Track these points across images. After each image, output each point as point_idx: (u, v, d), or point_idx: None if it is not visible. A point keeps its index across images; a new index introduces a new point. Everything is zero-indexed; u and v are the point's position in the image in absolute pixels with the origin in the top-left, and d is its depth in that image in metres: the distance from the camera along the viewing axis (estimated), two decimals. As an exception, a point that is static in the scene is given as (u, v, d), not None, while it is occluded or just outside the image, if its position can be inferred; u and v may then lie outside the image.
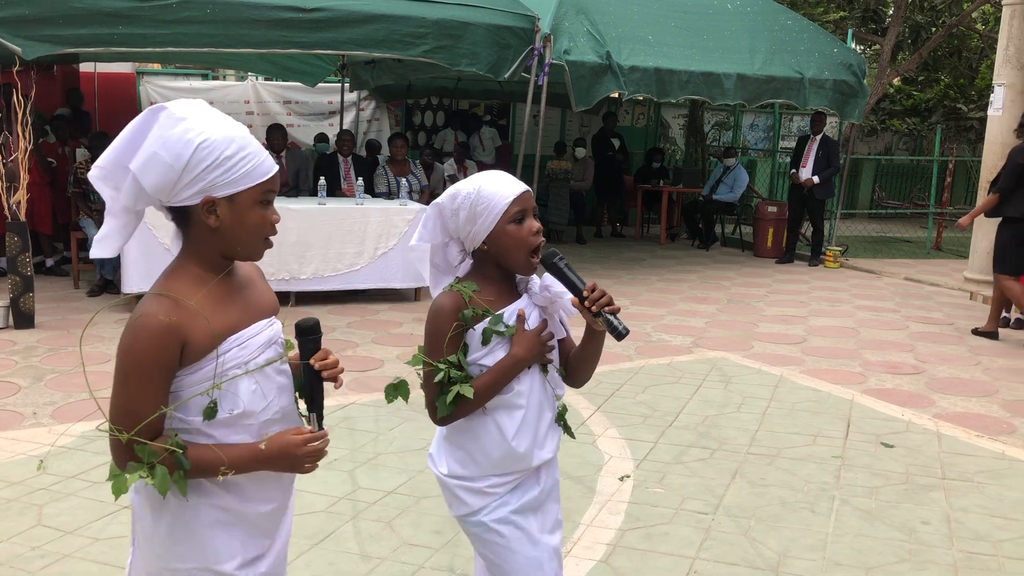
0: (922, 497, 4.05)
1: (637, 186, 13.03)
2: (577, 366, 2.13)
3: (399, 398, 2.09)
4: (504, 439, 2.02)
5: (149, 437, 1.64)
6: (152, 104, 8.07)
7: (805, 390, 5.69)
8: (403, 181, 8.91)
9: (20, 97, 6.51)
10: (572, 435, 2.21)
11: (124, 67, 12.03)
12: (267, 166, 1.70)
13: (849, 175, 12.09)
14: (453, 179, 11.23)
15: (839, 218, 11.77)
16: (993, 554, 3.51)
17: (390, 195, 8.93)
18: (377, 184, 9.16)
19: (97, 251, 1.73)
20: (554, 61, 8.30)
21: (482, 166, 11.92)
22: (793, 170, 11.07)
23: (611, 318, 1.95)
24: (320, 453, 1.79)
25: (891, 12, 14.97)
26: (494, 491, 2.06)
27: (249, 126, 12.08)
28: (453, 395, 1.95)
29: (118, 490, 1.66)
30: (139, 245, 6.93)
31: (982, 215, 7.53)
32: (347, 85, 11.90)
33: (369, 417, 4.84)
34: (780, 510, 3.86)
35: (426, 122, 13.76)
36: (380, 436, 4.57)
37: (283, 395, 1.81)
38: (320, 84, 12.02)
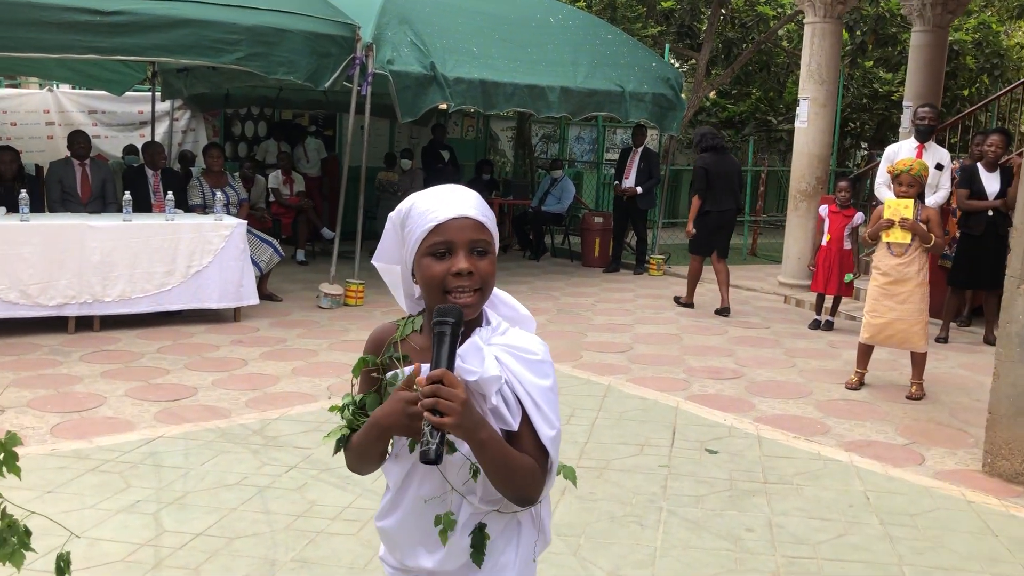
0: (745, 503, 4.11)
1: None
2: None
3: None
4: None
5: None
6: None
7: (632, 399, 5.74)
8: (219, 194, 8.44)
9: None
10: (477, 562, 1.67)
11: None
12: None
13: (670, 186, 12.51)
14: (277, 191, 10.80)
15: (661, 227, 12.13)
16: (812, 557, 3.59)
17: (205, 208, 8.44)
18: (191, 196, 8.65)
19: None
20: (377, 71, 8.09)
21: (307, 178, 11.54)
22: (616, 181, 11.32)
23: (426, 429, 1.46)
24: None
25: (705, 28, 15.65)
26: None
27: (50, 137, 11.41)
28: (336, 436, 1.68)
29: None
30: None
31: (693, 216, 8.79)
32: (159, 94, 11.23)
33: (178, 451, 4.47)
34: (609, 525, 3.82)
35: (247, 132, 13.20)
36: (190, 472, 4.22)
37: None
38: (129, 93, 11.27)
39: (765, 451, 4.84)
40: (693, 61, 16.19)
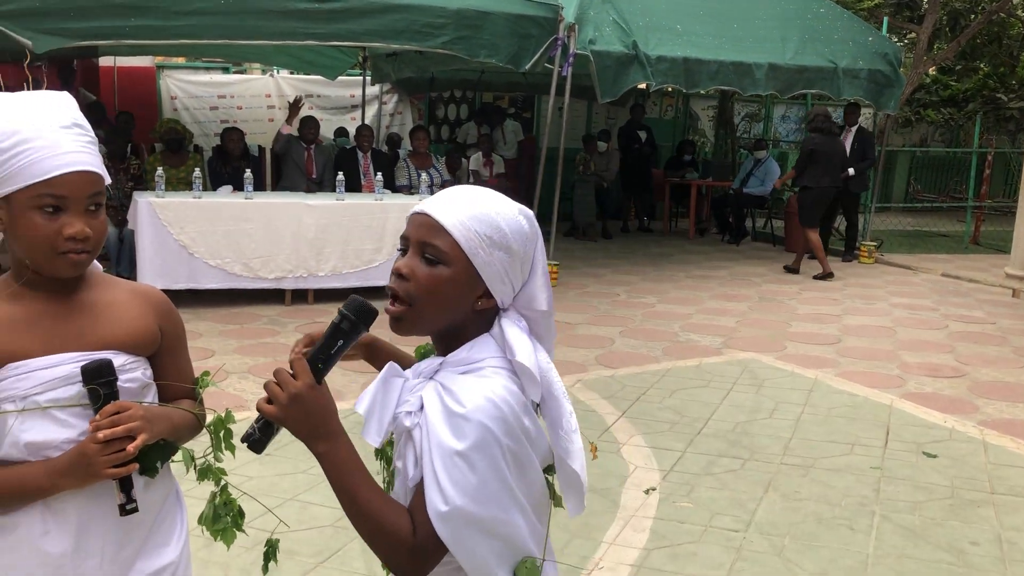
0: (970, 514, 3.78)
1: (665, 179, 12.73)
2: None
3: None
4: None
5: None
6: (173, 98, 7.88)
7: (841, 394, 5.42)
8: (424, 175, 8.70)
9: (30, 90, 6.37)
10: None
11: (144, 61, 11.93)
12: (46, 166, 1.39)
13: (884, 168, 11.72)
14: (477, 174, 11.01)
15: (873, 212, 11.39)
16: (1050, 579, 3.25)
17: (411, 188, 8.73)
18: (398, 177, 8.97)
19: None
20: (579, 51, 8.04)
21: (505, 160, 11.69)
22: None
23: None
24: (120, 438, 1.39)
25: (928, -1, 14.54)
26: None
27: (271, 120, 12.17)
28: None
29: None
30: (154, 242, 6.79)
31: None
32: (368, 78, 11.71)
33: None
34: (816, 527, 3.61)
35: (449, 115, 13.55)
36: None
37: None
38: (341, 77, 11.84)
39: (992, 458, 4.43)
40: (913, 35, 15.09)
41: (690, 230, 12.36)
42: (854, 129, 10.49)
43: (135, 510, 1.46)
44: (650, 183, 12.68)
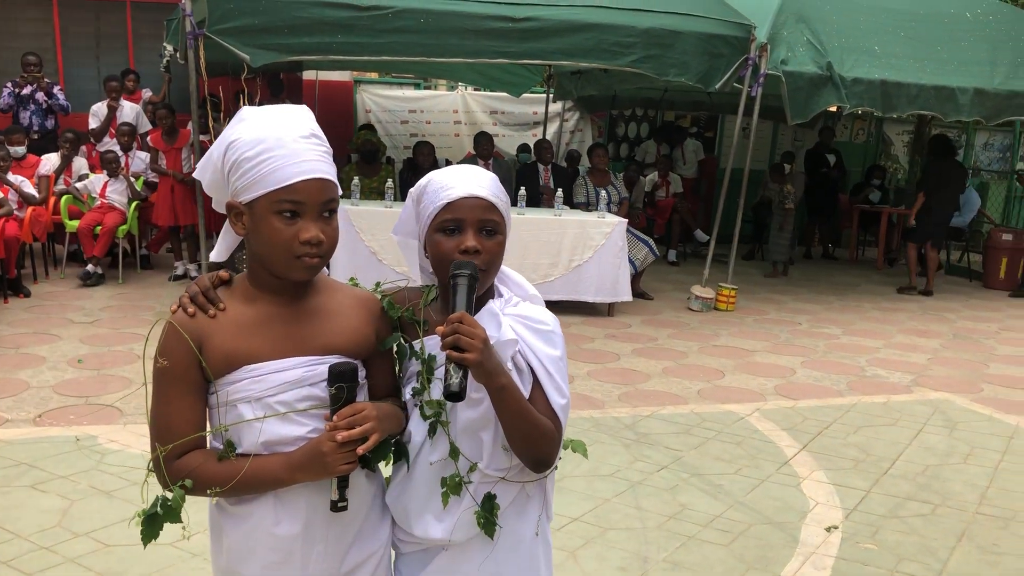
0: None
1: (853, 205, 12.21)
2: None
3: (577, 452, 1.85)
4: None
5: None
6: (367, 111, 8.33)
7: (1047, 444, 5.02)
8: (602, 192, 8.74)
9: (246, 103, 6.87)
10: (489, 533, 1.67)
11: (343, 76, 12.60)
12: (286, 173, 1.49)
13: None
14: (652, 194, 10.94)
15: (1087, 249, 10.48)
16: None
17: (588, 205, 8.78)
18: (576, 194, 9.05)
19: (213, 254, 1.70)
20: (770, 71, 7.86)
21: (683, 179, 11.56)
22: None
23: (450, 366, 1.48)
24: (360, 433, 1.49)
25: None
26: None
27: (456, 135, 12.59)
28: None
29: (146, 535, 1.56)
30: (347, 247, 7.14)
31: None
32: (552, 95, 11.89)
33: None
34: (1018, 585, 3.36)
35: (629, 133, 13.54)
36: (566, 457, 4.40)
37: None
38: (525, 95, 12.08)
39: None
40: None
41: (878, 260, 11.77)
42: (1069, 159, 9.72)
43: (345, 508, 1.55)
44: (837, 208, 12.19)
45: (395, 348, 1.71)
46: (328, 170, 1.56)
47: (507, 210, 1.69)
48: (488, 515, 1.65)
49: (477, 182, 1.64)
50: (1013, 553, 3.63)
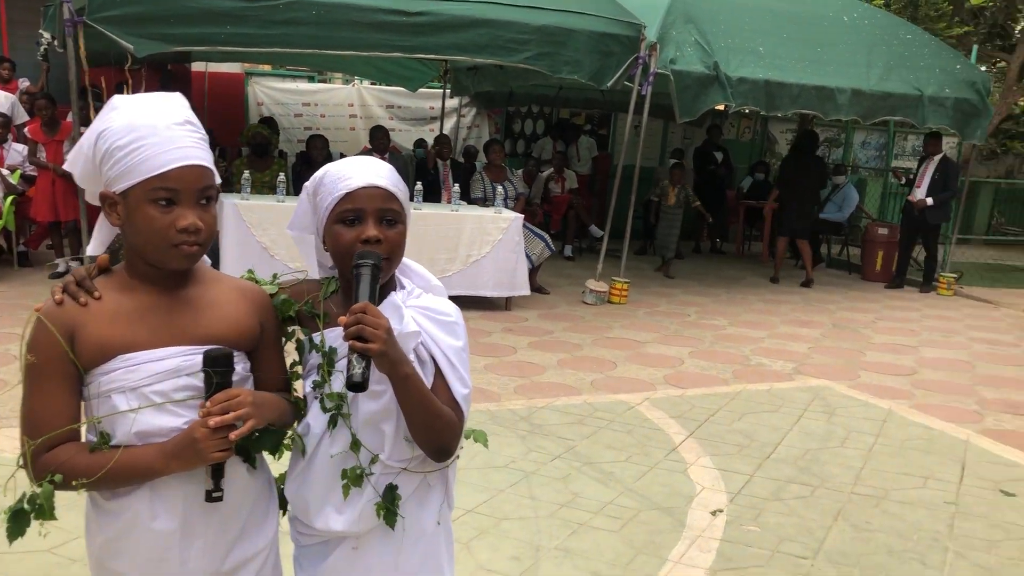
0: (1049, 556, 3.68)
1: (739, 202, 12.63)
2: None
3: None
4: None
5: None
6: (259, 104, 8.16)
7: (916, 426, 5.31)
8: (499, 188, 8.80)
9: (129, 94, 6.64)
10: (389, 523, 1.67)
11: (233, 67, 12.31)
12: (162, 160, 1.47)
13: (966, 199, 11.43)
14: (549, 189, 11.07)
15: (954, 243, 11.13)
16: None
17: (485, 201, 8.83)
18: (473, 190, 9.08)
19: (89, 248, 1.65)
20: (659, 70, 8.05)
21: (578, 176, 11.73)
22: (908, 191, 10.54)
23: (352, 357, 1.48)
24: (234, 418, 1.47)
25: (1020, 28, 14.17)
26: None
27: (352, 129, 12.44)
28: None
29: (13, 532, 1.49)
30: (238, 242, 6.99)
31: None
32: (448, 91, 11.89)
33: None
34: (887, 559, 3.56)
35: (526, 130, 13.66)
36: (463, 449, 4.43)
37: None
38: (422, 89, 12.05)
39: (1074, 501, 4.30)
40: (1003, 64, 14.72)
41: (763, 253, 12.22)
42: (936, 159, 10.28)
43: (220, 499, 1.53)
44: (724, 204, 12.58)
45: (296, 342, 1.70)
46: (204, 156, 1.54)
47: (407, 200, 1.70)
48: (390, 506, 1.66)
49: (375, 172, 1.64)
50: (884, 530, 3.84)
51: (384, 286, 1.66)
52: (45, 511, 1.48)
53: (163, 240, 1.50)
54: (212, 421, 1.46)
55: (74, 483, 1.48)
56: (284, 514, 1.81)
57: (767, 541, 3.65)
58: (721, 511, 3.92)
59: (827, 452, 4.77)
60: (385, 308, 1.61)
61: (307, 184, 1.73)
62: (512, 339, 6.84)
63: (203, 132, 1.58)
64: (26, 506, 1.48)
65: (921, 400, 5.90)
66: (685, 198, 10.32)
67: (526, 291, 7.90)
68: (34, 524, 1.51)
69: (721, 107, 8.84)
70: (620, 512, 3.84)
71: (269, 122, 9.89)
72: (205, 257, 1.65)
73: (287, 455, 1.78)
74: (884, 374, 6.53)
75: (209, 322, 1.58)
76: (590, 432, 4.84)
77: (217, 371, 1.51)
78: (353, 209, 1.62)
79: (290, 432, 1.70)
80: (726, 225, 13.00)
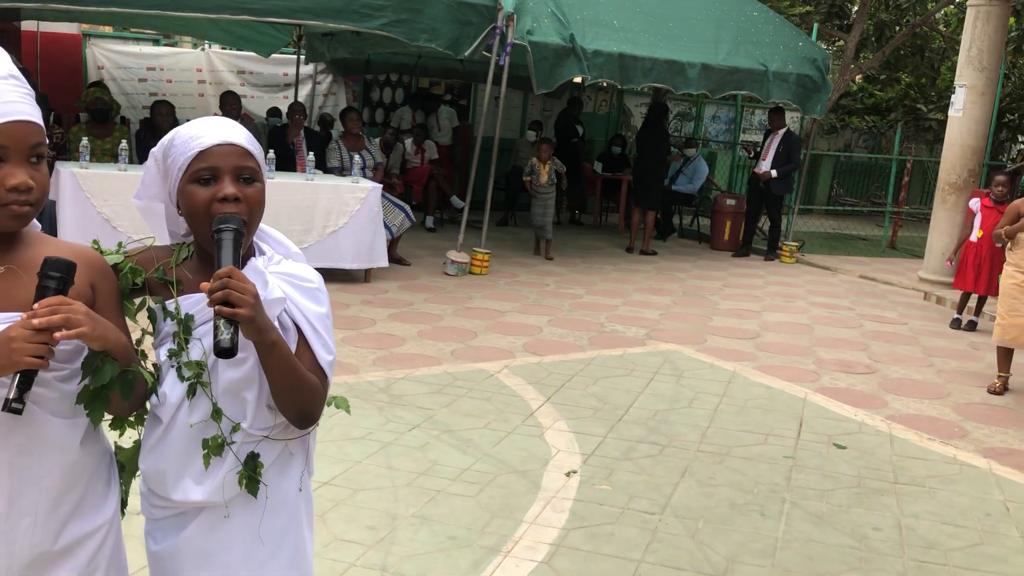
0: (873, 502, 3.95)
1: (596, 174, 12.89)
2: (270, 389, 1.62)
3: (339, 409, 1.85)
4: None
5: None
6: (99, 68, 7.72)
7: (757, 387, 5.59)
8: (356, 157, 8.65)
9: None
10: (252, 492, 1.64)
11: (71, 28, 11.56)
12: None
13: (808, 171, 12.07)
14: (408, 161, 10.97)
15: (796, 213, 11.74)
16: (943, 563, 3.42)
17: (342, 170, 8.67)
18: (329, 158, 8.89)
19: None
20: (516, 41, 8.08)
21: (439, 147, 11.68)
22: (755, 163, 11.03)
23: (219, 322, 1.44)
24: (60, 320, 1.38)
25: (856, 9, 14.99)
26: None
27: (200, 95, 11.93)
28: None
29: None
30: (76, 213, 6.62)
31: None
32: (303, 57, 11.57)
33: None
34: (729, 512, 3.74)
35: (384, 99, 13.47)
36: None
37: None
38: (275, 55, 11.68)
39: (897, 451, 4.64)
40: (841, 43, 15.53)
41: (619, 224, 12.53)
42: (781, 132, 10.77)
43: (19, 412, 1.39)
44: (582, 176, 12.81)
45: (147, 311, 1.63)
46: (33, 112, 1.45)
47: (263, 159, 1.66)
48: (252, 474, 1.62)
49: (229, 130, 1.60)
50: (727, 484, 4.03)
51: (244, 253, 1.61)
52: None
53: None
54: (37, 321, 1.36)
55: None
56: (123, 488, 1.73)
57: (618, 499, 3.78)
58: (575, 472, 4.02)
59: (675, 413, 4.96)
60: (248, 273, 1.54)
61: (154, 150, 1.66)
62: (371, 311, 6.77)
63: (29, 88, 1.48)
64: None
65: (763, 362, 6.21)
66: (555, 173, 10.03)
67: (385, 263, 7.83)
68: None
69: (578, 79, 8.97)
70: (477, 477, 3.88)
71: (99, 86, 9.34)
72: (35, 221, 1.55)
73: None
74: (730, 338, 6.83)
75: (23, 288, 1.47)
76: (449, 401, 4.86)
77: (52, 276, 1.41)
78: (208, 167, 1.56)
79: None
80: (584, 197, 13.25)
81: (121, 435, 1.70)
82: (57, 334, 1.38)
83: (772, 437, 4.70)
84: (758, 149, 11.27)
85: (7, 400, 1.39)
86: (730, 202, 11.54)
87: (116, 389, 1.52)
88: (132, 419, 1.69)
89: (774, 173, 10.64)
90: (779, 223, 11.11)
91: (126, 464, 1.76)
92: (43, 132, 1.47)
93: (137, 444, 1.73)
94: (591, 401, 5.04)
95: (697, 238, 12.18)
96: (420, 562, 3.13)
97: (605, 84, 11.95)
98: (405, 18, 7.58)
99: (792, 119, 13.94)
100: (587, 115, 13.85)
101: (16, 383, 1.39)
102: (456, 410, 4.73)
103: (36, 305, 1.39)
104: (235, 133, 1.61)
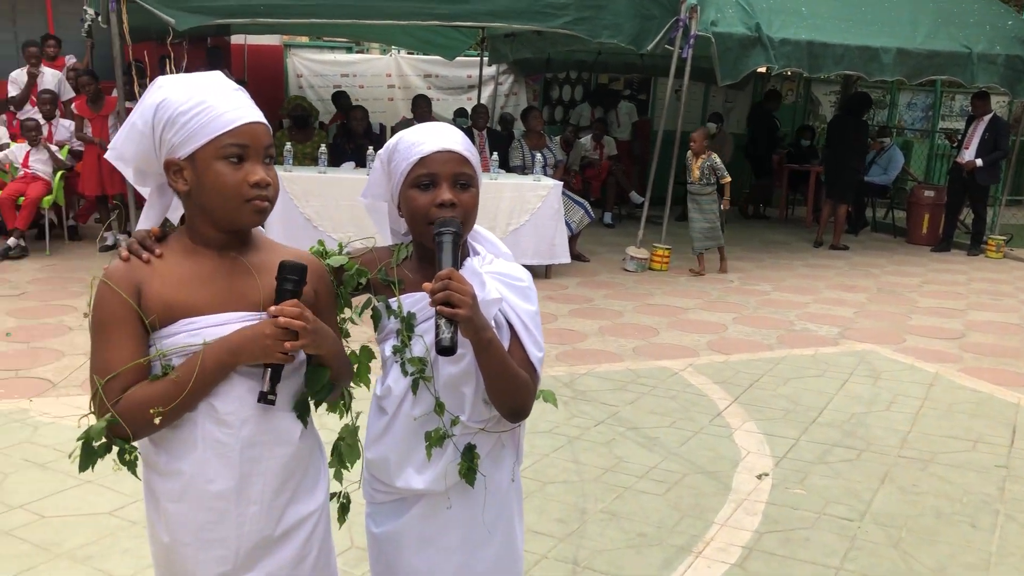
0: (1102, 518, 3.63)
1: (783, 165, 12.45)
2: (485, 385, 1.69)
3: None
4: None
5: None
6: (298, 76, 8.21)
7: (964, 390, 5.25)
8: (538, 155, 8.77)
9: (173, 68, 6.71)
10: (469, 481, 1.73)
11: (272, 40, 12.36)
12: (227, 118, 1.51)
13: (1017, 159, 11.16)
14: (588, 156, 11.00)
15: (1004, 205, 10.89)
16: None
17: (524, 169, 8.81)
18: (512, 157, 9.06)
19: (140, 223, 1.67)
20: (700, 33, 7.94)
21: (617, 142, 11.64)
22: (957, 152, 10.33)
23: (440, 321, 1.51)
24: (294, 331, 1.51)
25: (1074, -19, 13.73)
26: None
27: (390, 99, 12.45)
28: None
29: (84, 461, 1.51)
30: (280, 214, 7.05)
31: None
32: (486, 59, 11.83)
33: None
34: (935, 522, 3.54)
35: (564, 96, 13.56)
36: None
37: (252, 402, 1.57)
38: (459, 58, 12.01)
39: None
40: (1056, 18, 14.25)
41: (807, 218, 12.06)
42: (986, 118, 10.03)
43: (273, 402, 1.55)
44: (771, 170, 12.42)
45: (372, 309, 1.75)
46: (263, 117, 1.58)
47: (478, 164, 1.74)
48: (470, 464, 1.72)
49: (448, 137, 1.68)
50: (932, 493, 3.81)
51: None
52: (93, 449, 1.51)
53: (237, 196, 1.53)
54: (281, 320, 1.50)
55: (152, 412, 1.49)
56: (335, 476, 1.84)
57: (813, 504, 3.65)
58: (767, 475, 3.92)
59: (873, 416, 4.74)
60: (466, 274, 1.63)
61: (380, 152, 1.77)
62: (553, 307, 6.85)
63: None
64: (91, 436, 1.50)
65: (970, 364, 5.82)
66: (711, 170, 8.26)
67: (566, 259, 7.90)
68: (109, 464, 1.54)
69: (763, 69, 8.70)
70: (665, 476, 3.85)
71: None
72: (260, 227, 1.68)
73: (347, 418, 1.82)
74: (931, 338, 6.44)
75: (268, 288, 1.59)
76: (633, 398, 4.85)
77: (290, 279, 1.54)
78: (428, 174, 1.66)
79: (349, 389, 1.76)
80: (771, 189, 12.83)
81: (341, 418, 1.82)
82: (288, 343, 1.51)
83: (981, 444, 4.40)
84: (960, 137, 10.53)
85: (262, 393, 1.54)
86: (928, 193, 10.86)
87: (317, 389, 1.66)
88: (342, 403, 1.80)
89: (979, 162, 9.92)
90: (984, 215, 10.36)
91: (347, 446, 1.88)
92: (272, 134, 1.59)
93: (348, 428, 1.82)
94: (782, 402, 4.89)
95: (892, 232, 11.54)
96: (611, 557, 3.15)
97: (789, 73, 11.53)
98: (587, 15, 7.61)
99: (999, 104, 12.94)
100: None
101: (269, 377, 1.54)
102: (640, 407, 4.72)
103: (279, 307, 1.52)
104: (454, 140, 1.69)
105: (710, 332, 6.31)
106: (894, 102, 14.30)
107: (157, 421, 1.49)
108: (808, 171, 11.91)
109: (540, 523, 3.37)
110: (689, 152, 8.41)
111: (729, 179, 8.30)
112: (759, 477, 3.89)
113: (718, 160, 8.26)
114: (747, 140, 12.63)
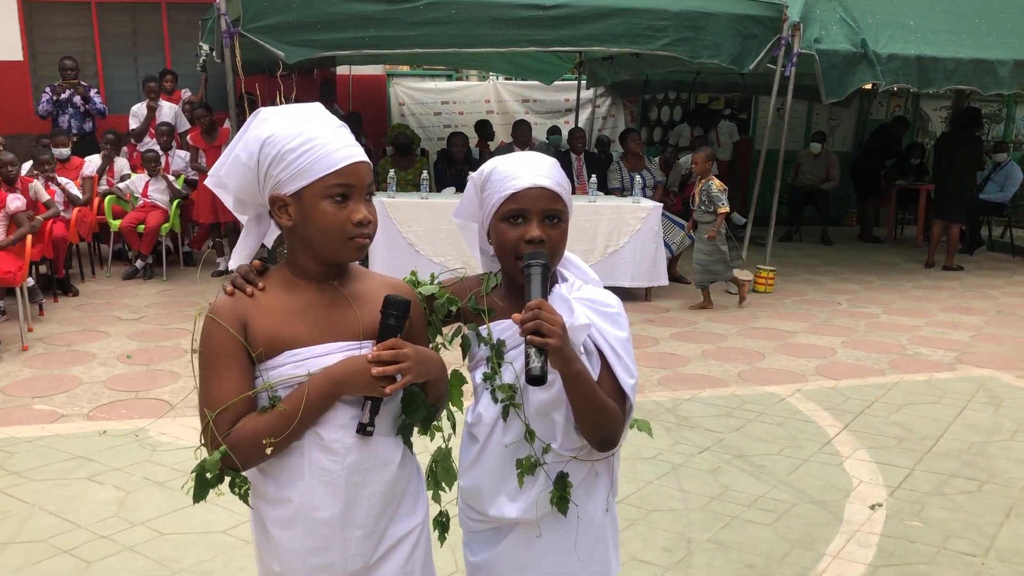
0: None
1: (892, 184, 12.05)
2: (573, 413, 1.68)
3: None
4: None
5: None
6: (400, 104, 8.38)
7: (1095, 419, 4.95)
8: (637, 177, 8.73)
9: (283, 100, 6.96)
10: (562, 510, 1.72)
11: (375, 70, 12.68)
12: (335, 158, 1.54)
13: None
14: (687, 177, 10.88)
15: None
16: None
17: (623, 191, 8.78)
18: (611, 179, 9.05)
19: (231, 261, 1.72)
20: (803, 50, 7.79)
21: (719, 162, 11.47)
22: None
23: (531, 351, 1.51)
24: (396, 370, 1.55)
25: None
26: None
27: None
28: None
29: (198, 492, 1.56)
30: (384, 239, 7.21)
31: None
32: (584, 82, 11.87)
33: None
34: (1067, 560, 3.34)
35: (662, 117, 13.48)
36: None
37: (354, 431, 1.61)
38: (557, 82, 12.07)
39: None
40: None
41: (917, 237, 11.63)
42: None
43: (371, 434, 1.58)
44: (880, 189, 12.04)
45: (462, 337, 1.77)
46: (365, 155, 1.62)
47: (569, 197, 1.74)
48: (563, 493, 1.71)
49: (541, 171, 1.68)
50: (1062, 528, 3.60)
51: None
52: (206, 480, 1.55)
53: (340, 234, 1.57)
54: (375, 371, 1.53)
55: (264, 442, 1.53)
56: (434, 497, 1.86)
57: (931, 537, 3.50)
58: (880, 505, 3.77)
59: (995, 445, 4.51)
60: (554, 301, 1.64)
61: (474, 175, 1.78)
62: (654, 330, 6.78)
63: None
64: (205, 468, 1.55)
65: (1100, 391, 5.50)
66: (708, 196, 7.26)
67: (665, 281, 7.82)
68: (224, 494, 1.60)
69: (869, 86, 8.47)
70: (773, 505, 3.76)
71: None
72: None
73: (438, 438, 1.84)
74: (1057, 363, 6.12)
75: (367, 317, 1.63)
76: (739, 424, 4.75)
77: (392, 314, 1.57)
78: (519, 209, 1.67)
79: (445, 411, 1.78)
80: (878, 208, 12.44)
81: (432, 439, 1.83)
82: (388, 388, 1.54)
83: (1116, 478, 4.14)
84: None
85: (361, 424, 1.58)
86: (1050, 211, 10.33)
87: (420, 418, 1.69)
88: (436, 424, 1.81)
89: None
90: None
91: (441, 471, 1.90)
92: (373, 172, 1.63)
93: (441, 451, 1.83)
94: (895, 430, 4.71)
95: (1010, 251, 11.01)
96: (718, 588, 3.08)
97: (896, 89, 11.17)
98: (687, 36, 7.56)
99: None
100: (877, 122, 13.03)
101: (369, 409, 1.57)
102: (747, 434, 4.61)
103: (380, 346, 1.56)
104: (546, 175, 1.69)
105: (818, 356, 6.14)
106: (1011, 116, 13.71)
107: (269, 452, 1.54)
108: (918, 190, 11.51)
109: (645, 551, 3.32)
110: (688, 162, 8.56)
111: (726, 209, 7.21)
112: (872, 508, 3.75)
113: (715, 186, 7.27)
114: (855, 159, 12.29)
